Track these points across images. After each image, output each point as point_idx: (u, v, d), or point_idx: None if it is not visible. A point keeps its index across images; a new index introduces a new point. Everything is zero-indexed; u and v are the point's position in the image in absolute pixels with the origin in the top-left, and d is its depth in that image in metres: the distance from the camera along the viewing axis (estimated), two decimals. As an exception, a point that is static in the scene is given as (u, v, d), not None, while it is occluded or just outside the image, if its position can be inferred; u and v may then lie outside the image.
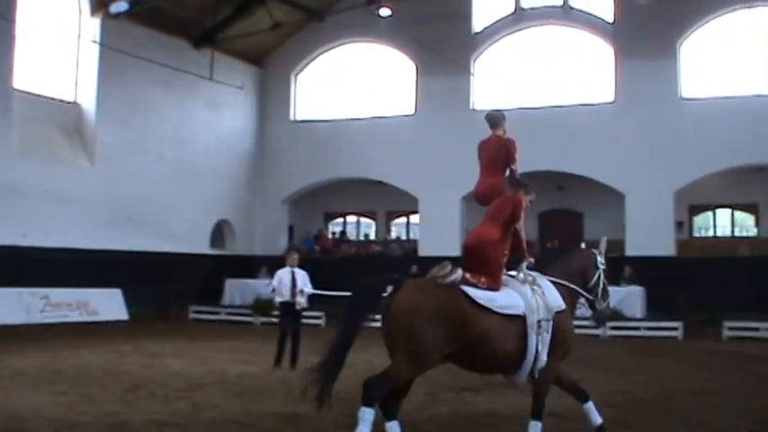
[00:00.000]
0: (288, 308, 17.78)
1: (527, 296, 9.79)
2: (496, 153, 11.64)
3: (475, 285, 9.54)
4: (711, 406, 13.15)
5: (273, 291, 18.13)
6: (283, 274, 17.90)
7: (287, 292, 17.68)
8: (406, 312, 9.22)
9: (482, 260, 9.85)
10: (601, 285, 11.03)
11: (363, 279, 9.88)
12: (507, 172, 11.30)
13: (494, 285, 9.70)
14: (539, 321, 9.72)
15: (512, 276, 10.18)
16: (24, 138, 28.11)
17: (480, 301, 9.43)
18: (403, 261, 33.02)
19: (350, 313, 9.71)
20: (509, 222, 10.13)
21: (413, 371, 9.42)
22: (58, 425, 10.68)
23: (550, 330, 9.82)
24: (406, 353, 9.24)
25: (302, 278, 17.94)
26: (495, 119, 12.30)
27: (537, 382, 10.01)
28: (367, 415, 9.26)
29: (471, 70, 33.85)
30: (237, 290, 32.73)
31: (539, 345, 9.74)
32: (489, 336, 9.43)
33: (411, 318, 9.17)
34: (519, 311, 9.66)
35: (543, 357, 9.81)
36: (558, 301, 10.09)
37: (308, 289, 18.09)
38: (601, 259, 11.04)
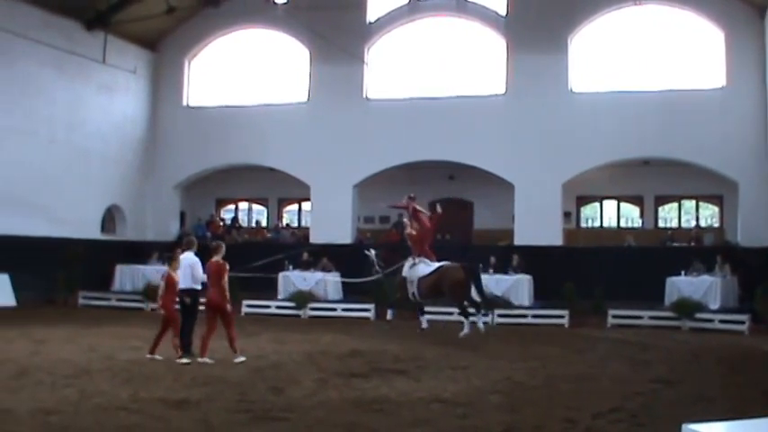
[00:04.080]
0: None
1: None
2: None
3: None
4: (593, 391, 13.50)
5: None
6: None
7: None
8: None
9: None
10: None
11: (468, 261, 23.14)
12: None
13: None
14: None
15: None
16: None
17: None
18: (294, 248, 33.06)
19: (469, 272, 22.46)
20: None
21: None
22: (-61, 414, 10.56)
23: None
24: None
25: None
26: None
27: None
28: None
29: (365, 59, 34.00)
30: (128, 276, 32.37)
31: None
32: None
33: None
34: None
35: None
36: None
37: None
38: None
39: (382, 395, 12.59)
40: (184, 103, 36.99)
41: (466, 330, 21.83)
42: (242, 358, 16.08)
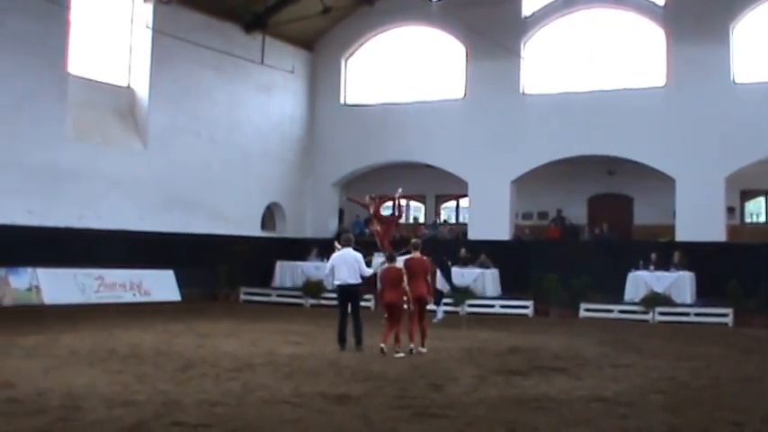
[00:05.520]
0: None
1: None
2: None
3: None
4: (761, 393, 13.10)
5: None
6: None
7: None
8: None
9: None
10: None
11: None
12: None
13: None
14: None
15: None
16: (79, 122, 28.53)
17: None
18: (453, 244, 33.05)
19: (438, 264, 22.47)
20: None
21: None
22: (112, 403, 10.85)
23: None
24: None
25: None
26: None
27: None
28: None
29: (521, 54, 33.77)
30: (288, 272, 32.89)
31: None
32: None
33: None
34: None
35: None
36: None
37: None
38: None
39: (542, 393, 12.44)
40: (342, 102, 37.47)
41: (440, 316, 24.82)
42: (402, 354, 16.28)
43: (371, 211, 26.05)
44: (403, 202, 27.82)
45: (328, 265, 18.04)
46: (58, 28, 27.51)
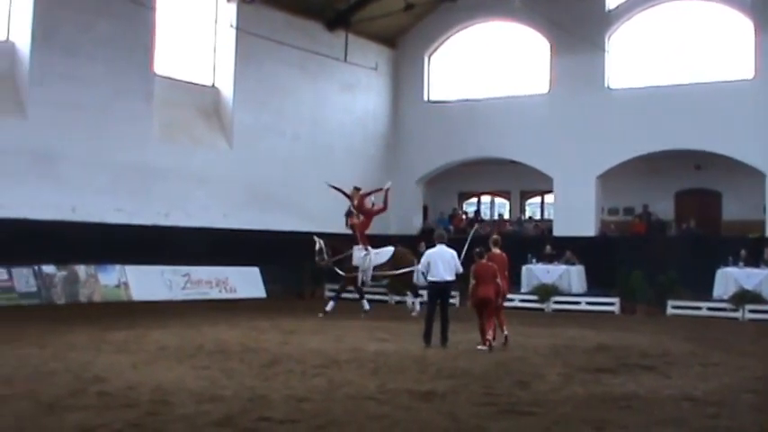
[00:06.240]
0: None
1: None
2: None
3: None
4: None
5: None
6: None
7: None
8: None
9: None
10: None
11: None
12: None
13: None
14: None
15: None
16: (165, 121, 28.97)
17: None
18: (538, 241, 32.84)
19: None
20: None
21: None
22: (200, 397, 10.95)
23: None
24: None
25: None
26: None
27: None
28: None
29: (606, 48, 33.41)
30: (372, 269, 32.93)
31: None
32: None
33: None
34: None
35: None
36: None
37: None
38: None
39: (630, 391, 12.26)
40: (425, 98, 37.46)
41: (418, 309, 24.33)
42: (485, 347, 16.24)
43: (355, 202, 26.03)
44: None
45: (423, 260, 17.92)
46: (143, 29, 28.02)
